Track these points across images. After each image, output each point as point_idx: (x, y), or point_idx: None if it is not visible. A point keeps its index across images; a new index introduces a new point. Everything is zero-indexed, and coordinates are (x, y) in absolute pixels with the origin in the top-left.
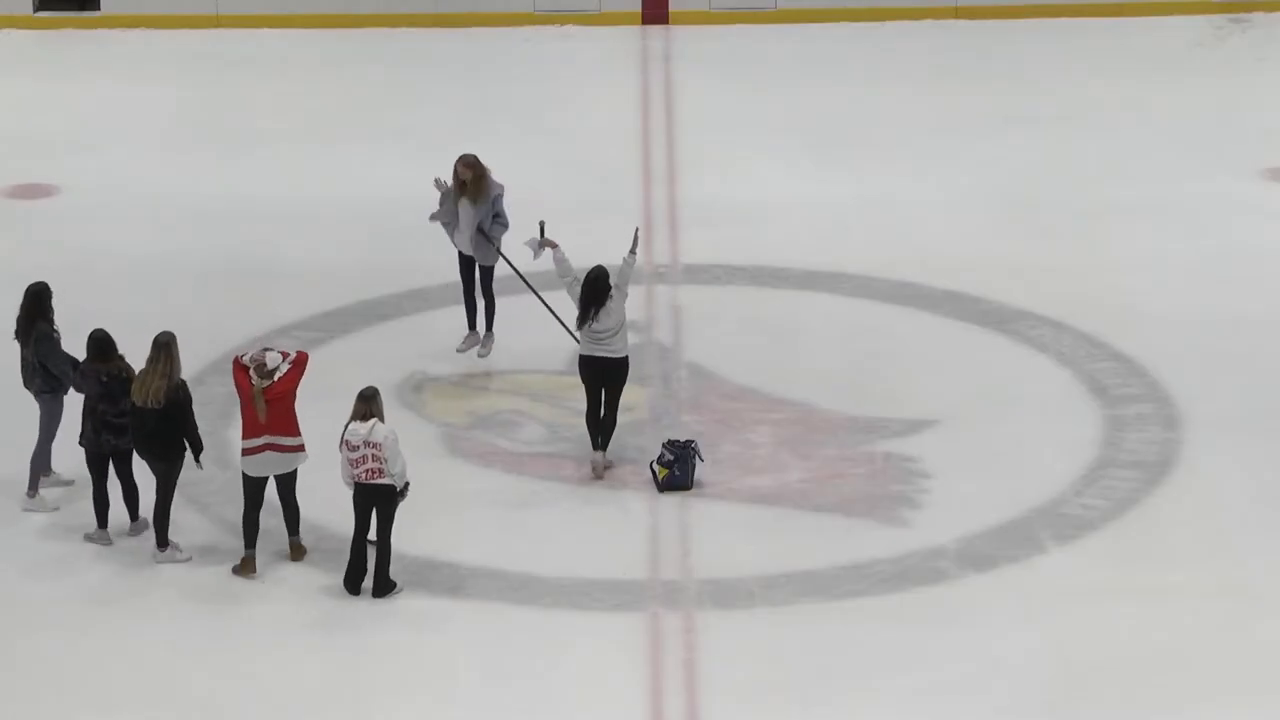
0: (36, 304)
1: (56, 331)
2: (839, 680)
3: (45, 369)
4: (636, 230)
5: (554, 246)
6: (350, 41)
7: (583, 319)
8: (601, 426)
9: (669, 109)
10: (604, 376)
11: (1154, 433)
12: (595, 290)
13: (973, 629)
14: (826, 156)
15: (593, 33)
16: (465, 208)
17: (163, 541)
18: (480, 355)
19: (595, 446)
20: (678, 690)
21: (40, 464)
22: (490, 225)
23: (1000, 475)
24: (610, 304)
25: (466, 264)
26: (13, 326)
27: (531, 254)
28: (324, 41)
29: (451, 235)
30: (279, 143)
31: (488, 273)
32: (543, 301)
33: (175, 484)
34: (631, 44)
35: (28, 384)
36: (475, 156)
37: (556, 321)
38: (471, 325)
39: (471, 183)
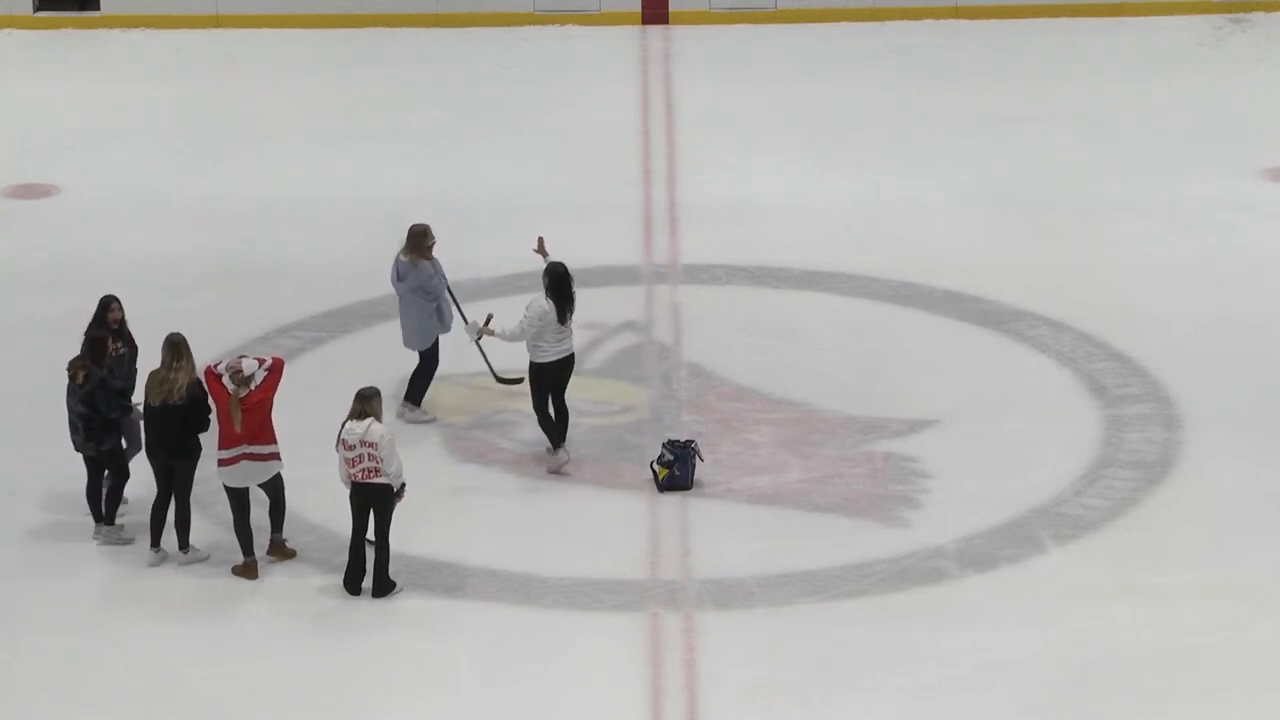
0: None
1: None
2: (839, 680)
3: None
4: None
5: (490, 333)
6: (350, 41)
7: (562, 319)
8: (560, 422)
9: (669, 109)
10: (563, 376)
11: (1154, 433)
12: (566, 287)
13: (973, 629)
14: (826, 156)
15: (593, 33)
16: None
17: (184, 544)
18: (431, 420)
19: (557, 446)
20: (678, 690)
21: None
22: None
23: (1000, 475)
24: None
25: (437, 345)
26: (11, 327)
27: (469, 337)
28: (324, 41)
29: (447, 314)
30: (279, 143)
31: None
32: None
33: (192, 484)
34: (631, 44)
35: None
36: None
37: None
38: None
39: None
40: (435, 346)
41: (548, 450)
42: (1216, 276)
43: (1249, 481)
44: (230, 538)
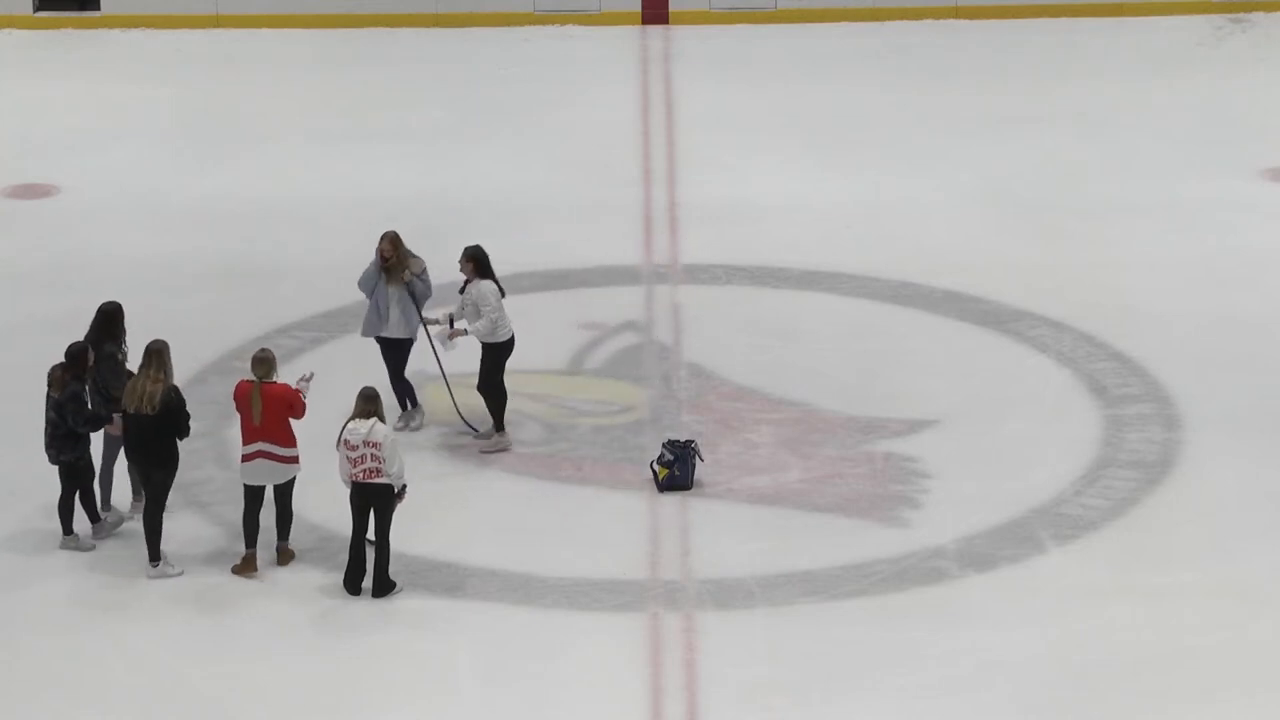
0: (105, 325)
1: (123, 353)
2: (839, 680)
3: (105, 391)
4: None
5: (462, 333)
6: (350, 41)
7: (502, 294)
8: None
9: (669, 109)
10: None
11: (1154, 433)
12: (490, 265)
13: (973, 629)
14: (826, 156)
15: (593, 33)
16: (382, 289)
17: (154, 555)
18: (414, 428)
19: (500, 427)
20: (678, 690)
21: (105, 485)
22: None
23: (1000, 475)
24: None
25: (387, 346)
26: (11, 327)
27: (442, 346)
28: (324, 41)
29: (368, 316)
30: (279, 143)
31: (408, 348)
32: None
33: (168, 495)
34: (631, 44)
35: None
36: (398, 234)
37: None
38: (403, 406)
39: (394, 263)
40: (383, 345)
41: (486, 431)
42: (1216, 276)
43: (1249, 481)
44: (228, 541)
